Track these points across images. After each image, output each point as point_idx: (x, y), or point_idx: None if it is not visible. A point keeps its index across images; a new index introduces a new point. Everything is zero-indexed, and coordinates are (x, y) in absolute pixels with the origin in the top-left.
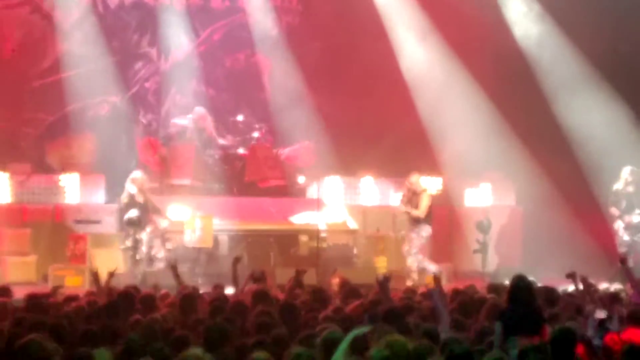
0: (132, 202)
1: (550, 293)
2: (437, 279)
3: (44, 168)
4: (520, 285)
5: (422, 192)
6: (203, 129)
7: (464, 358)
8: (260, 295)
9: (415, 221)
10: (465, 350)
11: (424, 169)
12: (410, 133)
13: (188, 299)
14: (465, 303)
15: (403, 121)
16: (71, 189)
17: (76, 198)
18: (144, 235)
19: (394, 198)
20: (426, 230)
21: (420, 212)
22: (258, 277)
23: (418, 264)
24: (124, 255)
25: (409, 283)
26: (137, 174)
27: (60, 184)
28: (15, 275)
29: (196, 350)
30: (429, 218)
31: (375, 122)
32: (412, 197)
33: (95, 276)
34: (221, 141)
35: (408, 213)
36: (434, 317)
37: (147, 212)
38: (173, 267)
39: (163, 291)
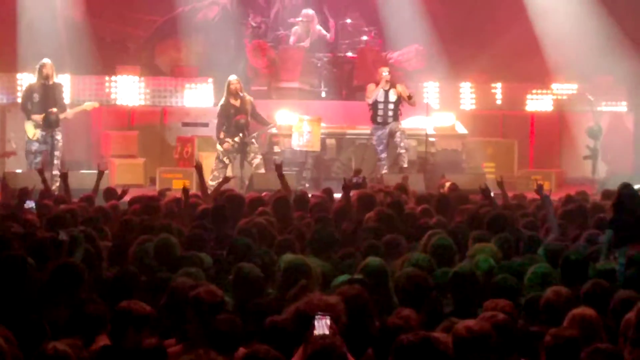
0: (227, 106)
1: None
2: (539, 186)
3: (153, 70)
4: (626, 194)
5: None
6: (312, 31)
7: (579, 266)
8: (366, 199)
9: None
10: (580, 258)
11: (535, 75)
12: (521, 38)
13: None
14: (574, 210)
15: (513, 26)
16: (180, 91)
17: (185, 100)
18: (246, 140)
19: (504, 103)
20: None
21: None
22: (356, 183)
23: None
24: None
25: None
26: (232, 77)
27: (169, 86)
28: (123, 178)
29: (299, 256)
30: None
31: (486, 27)
32: None
33: (199, 170)
34: (328, 35)
35: None
36: (545, 224)
37: (246, 116)
38: (278, 167)
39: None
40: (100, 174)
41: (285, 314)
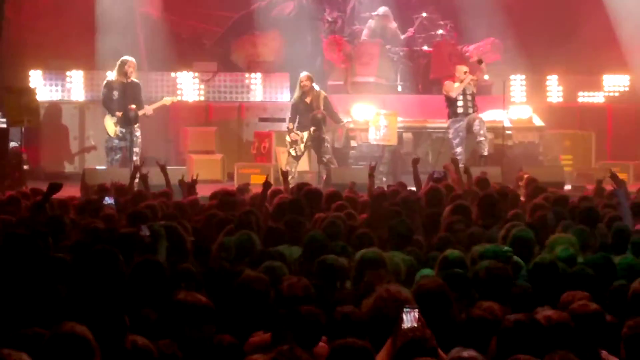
0: (298, 102)
1: None
2: (614, 176)
3: (230, 66)
4: None
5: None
6: (388, 27)
7: None
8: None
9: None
10: None
11: (612, 67)
12: (599, 31)
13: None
14: None
15: (592, 19)
16: (256, 87)
17: (261, 96)
18: (314, 133)
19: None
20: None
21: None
22: (437, 179)
23: None
24: (307, 154)
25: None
26: (303, 74)
27: (246, 81)
28: (202, 173)
29: (374, 249)
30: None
31: (563, 20)
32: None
33: (284, 175)
34: (403, 36)
35: None
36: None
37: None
38: (371, 168)
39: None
40: (163, 169)
41: (362, 306)
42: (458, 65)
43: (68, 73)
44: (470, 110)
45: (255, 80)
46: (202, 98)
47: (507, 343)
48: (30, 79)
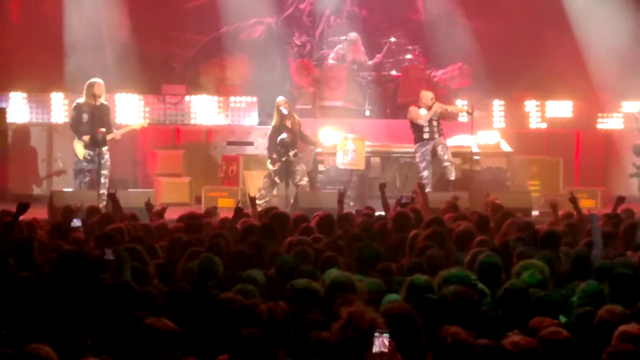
0: (279, 127)
1: None
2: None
3: (198, 89)
4: None
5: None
6: (356, 51)
7: (629, 281)
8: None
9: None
10: (630, 274)
11: (580, 92)
12: (566, 55)
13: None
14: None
15: (559, 43)
16: (224, 110)
17: (229, 119)
18: (293, 159)
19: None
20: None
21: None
22: (405, 203)
23: None
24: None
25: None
26: (280, 98)
27: (212, 105)
28: (169, 196)
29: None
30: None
31: (531, 45)
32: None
33: (252, 201)
34: (371, 62)
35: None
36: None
37: (295, 137)
38: (340, 195)
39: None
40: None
41: (333, 328)
42: (424, 90)
43: (41, 95)
44: (436, 135)
45: (223, 103)
46: (170, 121)
47: None
48: None
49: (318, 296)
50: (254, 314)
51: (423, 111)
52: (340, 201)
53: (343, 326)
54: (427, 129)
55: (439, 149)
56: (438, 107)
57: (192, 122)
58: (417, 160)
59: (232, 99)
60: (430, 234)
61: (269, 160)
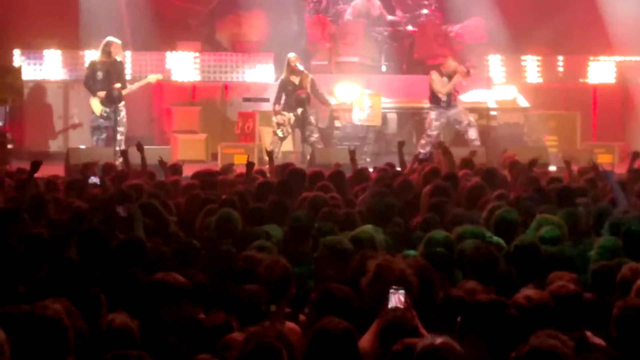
0: (286, 82)
1: None
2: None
3: (214, 46)
4: None
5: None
6: (372, 6)
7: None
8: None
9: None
10: None
11: (597, 48)
12: (583, 11)
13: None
14: None
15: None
16: (241, 66)
17: (246, 76)
18: (301, 114)
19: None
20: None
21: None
22: (422, 159)
23: None
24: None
25: None
26: (291, 54)
27: (229, 62)
28: (186, 153)
29: (367, 227)
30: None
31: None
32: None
33: (270, 155)
34: (390, 18)
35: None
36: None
37: (309, 94)
38: (351, 152)
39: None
40: (141, 150)
41: (361, 282)
42: (450, 59)
43: (52, 51)
44: (453, 104)
45: (239, 60)
46: (187, 79)
47: (476, 321)
48: (14, 57)
49: (349, 253)
50: (254, 271)
51: (445, 81)
52: (353, 159)
53: (373, 279)
54: (445, 98)
55: (461, 114)
56: (458, 79)
57: (209, 78)
58: (433, 117)
59: (248, 55)
60: (433, 189)
61: (273, 113)
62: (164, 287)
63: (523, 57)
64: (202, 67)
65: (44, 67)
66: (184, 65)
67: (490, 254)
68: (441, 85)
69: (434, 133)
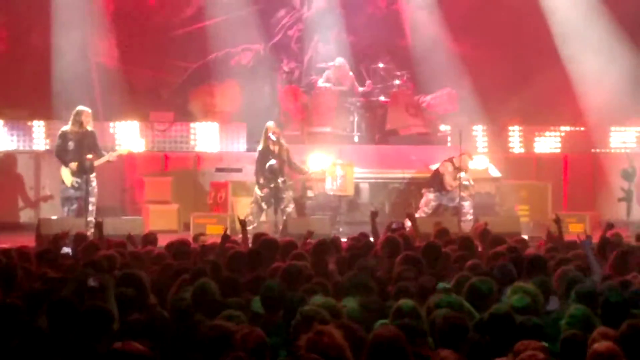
0: (266, 152)
1: None
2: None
3: (186, 116)
4: None
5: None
6: (344, 78)
7: (619, 307)
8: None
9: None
10: (622, 299)
11: (567, 118)
12: (554, 82)
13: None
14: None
15: (546, 70)
16: (213, 137)
17: (218, 146)
18: (281, 185)
19: (537, 146)
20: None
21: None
22: (395, 229)
23: None
24: (265, 203)
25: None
26: (270, 123)
27: (202, 132)
28: (158, 223)
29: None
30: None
31: (519, 70)
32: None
33: (242, 225)
34: (361, 89)
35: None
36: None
37: (283, 163)
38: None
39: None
40: (100, 226)
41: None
42: (464, 154)
43: (28, 123)
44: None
45: (211, 130)
46: (158, 148)
47: None
48: None
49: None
50: (230, 340)
51: (454, 174)
52: (373, 223)
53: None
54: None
55: (454, 194)
56: (462, 177)
57: (181, 148)
58: (431, 198)
59: (220, 125)
60: (404, 258)
61: (257, 186)
62: (123, 356)
63: (496, 128)
64: (174, 138)
65: (14, 137)
66: (156, 135)
67: (461, 322)
68: (452, 179)
69: (429, 212)
